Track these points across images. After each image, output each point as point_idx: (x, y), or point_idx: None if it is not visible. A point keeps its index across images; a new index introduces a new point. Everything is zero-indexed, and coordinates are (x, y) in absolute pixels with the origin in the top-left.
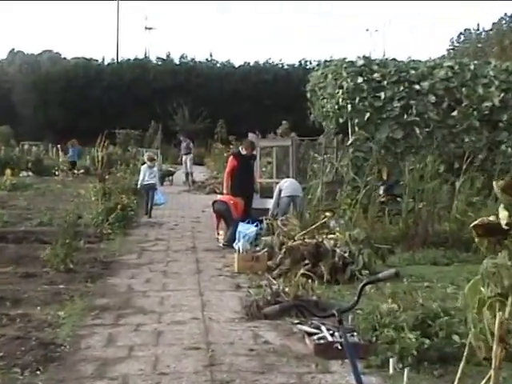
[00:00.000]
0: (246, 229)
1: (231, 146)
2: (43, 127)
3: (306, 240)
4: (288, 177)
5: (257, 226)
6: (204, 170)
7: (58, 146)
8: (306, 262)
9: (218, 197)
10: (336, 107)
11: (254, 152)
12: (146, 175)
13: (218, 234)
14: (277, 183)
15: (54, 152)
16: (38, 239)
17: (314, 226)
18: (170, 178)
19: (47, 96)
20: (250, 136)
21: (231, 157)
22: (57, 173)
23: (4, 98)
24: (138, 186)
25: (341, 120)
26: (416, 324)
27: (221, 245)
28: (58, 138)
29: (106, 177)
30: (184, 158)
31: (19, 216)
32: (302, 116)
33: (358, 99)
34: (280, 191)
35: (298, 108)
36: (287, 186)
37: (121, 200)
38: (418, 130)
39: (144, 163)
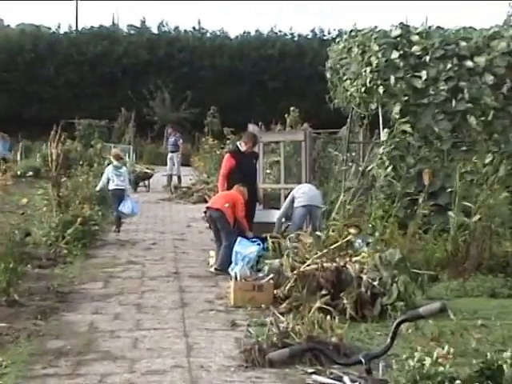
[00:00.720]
0: (246, 249)
1: (227, 142)
2: None
3: (324, 264)
4: (300, 182)
5: (259, 244)
6: (190, 173)
7: None
8: (324, 292)
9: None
10: (363, 90)
11: (256, 149)
12: (113, 178)
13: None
14: (286, 190)
15: None
16: None
17: (334, 246)
18: (146, 182)
19: None
20: (251, 128)
21: (227, 155)
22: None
23: None
24: (97, 189)
25: (370, 107)
26: (471, 377)
27: (212, 269)
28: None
29: (62, 180)
30: (169, 155)
31: None
32: (318, 102)
33: (392, 80)
34: (293, 200)
35: (312, 92)
36: (303, 193)
37: (81, 211)
38: (471, 121)
39: (110, 163)
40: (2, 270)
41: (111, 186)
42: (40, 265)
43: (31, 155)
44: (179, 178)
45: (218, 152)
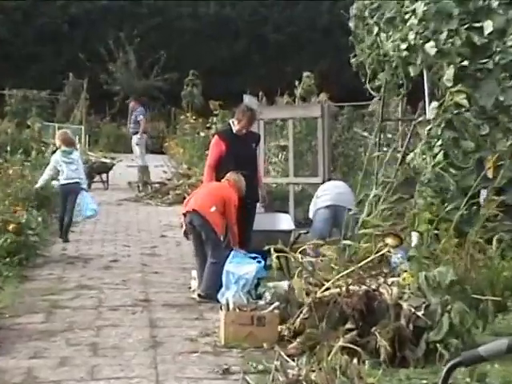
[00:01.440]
0: (240, 267)
1: (214, 120)
2: None
3: (350, 287)
4: (316, 174)
5: (259, 262)
6: (165, 162)
7: None
8: (350, 326)
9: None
10: (403, 48)
11: (255, 129)
12: (62, 169)
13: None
14: (297, 186)
15: None
16: None
17: (363, 262)
18: (104, 176)
19: None
20: (247, 100)
21: (215, 138)
22: None
23: None
24: (37, 186)
25: (412, 71)
26: None
27: (195, 296)
28: None
29: None
30: (133, 139)
31: None
32: (340, 64)
33: (443, 33)
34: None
35: (331, 49)
36: (326, 189)
37: (14, 216)
38: None
39: (56, 149)
40: None
41: (61, 181)
42: None
43: None
44: (143, 169)
45: (202, 134)
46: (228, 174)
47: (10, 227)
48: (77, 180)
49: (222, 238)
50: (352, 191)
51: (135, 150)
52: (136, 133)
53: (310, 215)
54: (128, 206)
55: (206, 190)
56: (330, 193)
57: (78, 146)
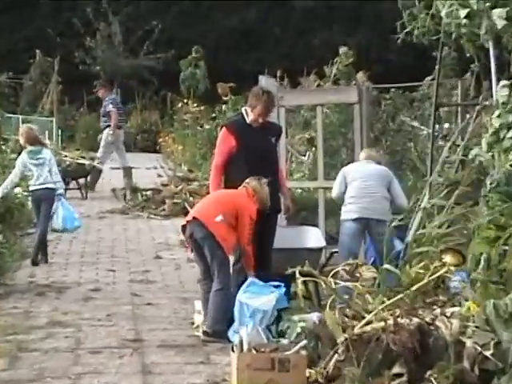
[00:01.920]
0: (257, 297)
1: (222, 108)
2: None
3: (398, 320)
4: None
5: (280, 288)
6: (159, 163)
7: None
8: (398, 369)
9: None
10: (464, 14)
11: (274, 118)
12: (32, 172)
13: (196, 310)
14: (327, 191)
15: None
16: None
17: (414, 288)
18: (82, 181)
19: None
20: (263, 82)
21: (223, 130)
22: None
23: None
24: (0, 193)
25: (475, 44)
26: None
27: (200, 333)
28: None
29: None
30: (103, 135)
31: None
32: (382, 35)
33: None
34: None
35: (371, 16)
36: (354, 193)
37: None
38: None
39: (21, 150)
40: None
41: (31, 186)
42: None
43: None
44: (127, 171)
45: (206, 126)
46: (248, 180)
47: None
48: (50, 185)
49: (231, 258)
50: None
51: (101, 148)
52: (107, 127)
53: (333, 194)
54: (113, 220)
55: (212, 196)
56: (357, 200)
57: (47, 143)
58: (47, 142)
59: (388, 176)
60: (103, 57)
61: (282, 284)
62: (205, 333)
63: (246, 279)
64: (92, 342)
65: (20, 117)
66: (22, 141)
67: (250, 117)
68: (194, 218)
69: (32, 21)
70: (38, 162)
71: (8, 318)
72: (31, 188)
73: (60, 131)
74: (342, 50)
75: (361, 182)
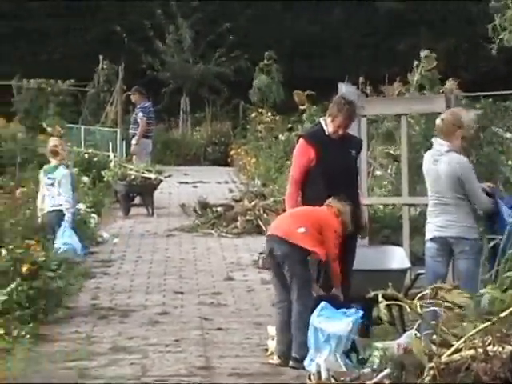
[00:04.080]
0: (332, 322)
1: (301, 118)
2: None
3: (489, 348)
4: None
5: (358, 313)
6: (231, 177)
7: None
8: None
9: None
10: None
11: (354, 130)
12: (43, 193)
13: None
14: (412, 207)
15: None
16: None
17: (506, 313)
18: (147, 198)
19: None
20: (344, 90)
21: (301, 142)
22: None
23: None
24: (40, 213)
25: None
26: None
27: (274, 361)
28: None
29: None
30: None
31: None
32: (472, 40)
33: None
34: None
35: (461, 19)
36: (430, 210)
37: (28, 253)
38: None
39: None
40: None
41: (47, 208)
42: None
43: None
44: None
45: (282, 137)
46: (329, 200)
47: (23, 269)
48: (57, 207)
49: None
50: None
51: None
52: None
53: None
54: (181, 238)
55: (291, 212)
56: (432, 220)
57: (66, 159)
58: (111, 156)
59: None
60: (172, 62)
61: (357, 308)
62: (294, 359)
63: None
64: (159, 370)
65: (82, 127)
66: (49, 155)
67: (329, 128)
68: (273, 234)
69: (97, 24)
70: (48, 182)
71: (69, 344)
72: (46, 210)
73: (124, 143)
74: (424, 53)
75: (430, 190)
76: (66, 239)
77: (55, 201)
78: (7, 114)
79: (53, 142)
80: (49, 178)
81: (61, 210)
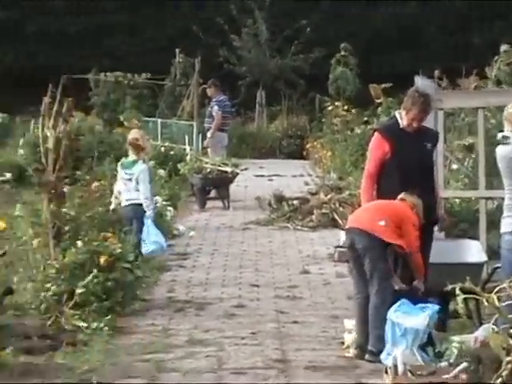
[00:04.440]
0: (408, 317)
1: (377, 111)
2: None
3: None
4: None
5: (434, 307)
6: (306, 171)
7: None
8: None
9: (357, 215)
10: None
11: (430, 123)
12: (121, 187)
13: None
14: (489, 201)
15: None
16: None
17: None
18: (223, 191)
19: None
20: (420, 83)
21: (376, 135)
22: None
23: None
24: (112, 207)
25: None
26: None
27: (350, 354)
28: None
29: (66, 189)
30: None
31: None
32: None
33: None
34: None
35: None
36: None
37: (104, 245)
38: None
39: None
40: None
41: (122, 201)
42: (29, 348)
43: (9, 142)
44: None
45: (357, 130)
46: (402, 195)
47: (101, 261)
48: (135, 201)
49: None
50: None
51: (210, 152)
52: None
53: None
54: (257, 232)
55: (370, 205)
56: (508, 213)
57: (146, 152)
58: (187, 149)
59: None
60: (249, 56)
61: (434, 303)
62: (370, 352)
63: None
64: (235, 362)
65: (159, 120)
66: (129, 148)
67: (403, 121)
68: (353, 226)
69: (173, 18)
70: (126, 177)
71: (146, 336)
72: (122, 203)
73: (201, 136)
74: (504, 47)
75: (506, 183)
76: (152, 238)
77: (131, 195)
78: (85, 107)
79: (133, 134)
80: (126, 173)
81: (137, 204)
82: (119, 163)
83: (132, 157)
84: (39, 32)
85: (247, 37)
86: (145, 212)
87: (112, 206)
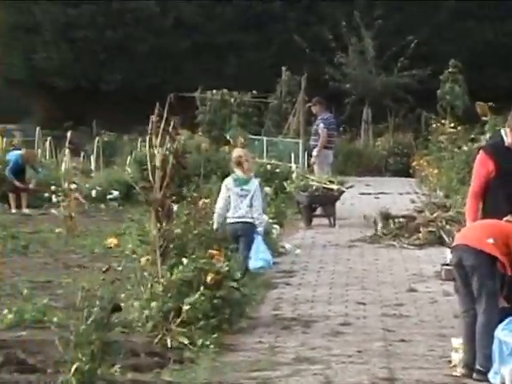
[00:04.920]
0: None
1: (485, 129)
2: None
3: None
4: None
5: None
6: (412, 188)
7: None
8: None
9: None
10: None
11: None
12: (233, 202)
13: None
14: None
15: (49, 148)
16: (14, 361)
17: None
18: (329, 208)
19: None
20: None
21: (480, 154)
22: (56, 199)
23: None
24: (215, 226)
25: None
26: None
27: (458, 373)
28: (58, 115)
29: (174, 207)
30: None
31: None
32: None
33: None
34: None
35: None
36: None
37: (211, 263)
38: None
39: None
40: (73, 377)
41: (229, 218)
42: (136, 365)
43: (116, 161)
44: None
45: (464, 148)
46: (509, 217)
47: (208, 279)
48: (249, 219)
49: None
50: None
51: (316, 170)
52: (314, 146)
53: None
54: (363, 249)
55: (478, 223)
56: None
57: (250, 170)
58: (292, 166)
59: None
60: (354, 73)
61: None
62: (478, 371)
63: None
64: (342, 381)
65: (264, 138)
66: (233, 165)
67: (508, 139)
68: (462, 243)
69: (279, 37)
70: (242, 193)
71: (252, 354)
72: (228, 220)
73: (306, 153)
74: None
75: None
76: (261, 254)
77: (241, 212)
78: (191, 125)
79: (237, 152)
80: (242, 190)
81: (247, 222)
82: (229, 180)
83: (239, 174)
84: (147, 51)
85: (353, 54)
86: (254, 229)
87: (215, 226)
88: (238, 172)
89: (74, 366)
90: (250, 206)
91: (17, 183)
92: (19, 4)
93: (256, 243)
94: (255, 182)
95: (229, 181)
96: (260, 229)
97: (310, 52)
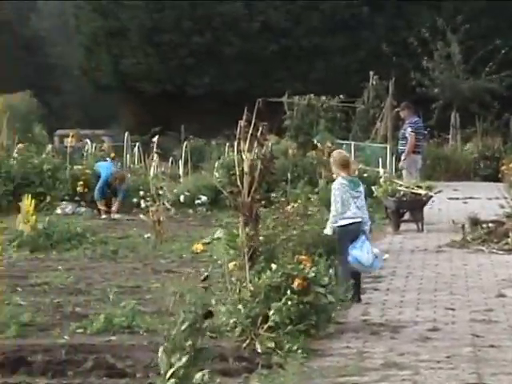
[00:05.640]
0: None
1: None
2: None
3: None
4: None
5: None
6: (501, 193)
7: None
8: None
9: None
10: None
11: None
12: (348, 203)
13: None
14: None
15: (137, 153)
16: (103, 366)
17: None
18: (417, 213)
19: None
20: None
21: None
22: (145, 204)
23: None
24: (328, 231)
25: None
26: None
27: None
28: (146, 119)
29: (262, 212)
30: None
31: (56, 310)
32: None
33: None
34: None
35: None
36: None
37: (299, 269)
38: None
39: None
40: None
41: (343, 220)
42: (225, 370)
43: (204, 166)
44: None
45: None
46: None
47: (295, 284)
48: (361, 219)
49: None
50: None
51: (404, 175)
52: (402, 151)
53: None
54: (451, 254)
55: None
56: None
57: (355, 170)
58: (379, 171)
59: None
60: (441, 78)
61: None
62: None
63: None
64: None
65: (352, 143)
66: (334, 167)
67: None
68: None
69: (367, 42)
70: (356, 194)
71: (340, 359)
72: (342, 222)
73: (394, 158)
74: None
75: None
76: (370, 251)
77: (358, 212)
78: (279, 130)
79: (343, 154)
80: (357, 191)
81: (360, 222)
82: (345, 182)
83: (349, 176)
84: (235, 55)
85: (440, 59)
86: (361, 229)
87: (329, 231)
88: (343, 174)
89: (171, 371)
90: (362, 206)
91: (102, 207)
92: (105, 9)
93: (362, 242)
94: (361, 184)
95: (345, 183)
96: (367, 227)
97: (396, 57)
